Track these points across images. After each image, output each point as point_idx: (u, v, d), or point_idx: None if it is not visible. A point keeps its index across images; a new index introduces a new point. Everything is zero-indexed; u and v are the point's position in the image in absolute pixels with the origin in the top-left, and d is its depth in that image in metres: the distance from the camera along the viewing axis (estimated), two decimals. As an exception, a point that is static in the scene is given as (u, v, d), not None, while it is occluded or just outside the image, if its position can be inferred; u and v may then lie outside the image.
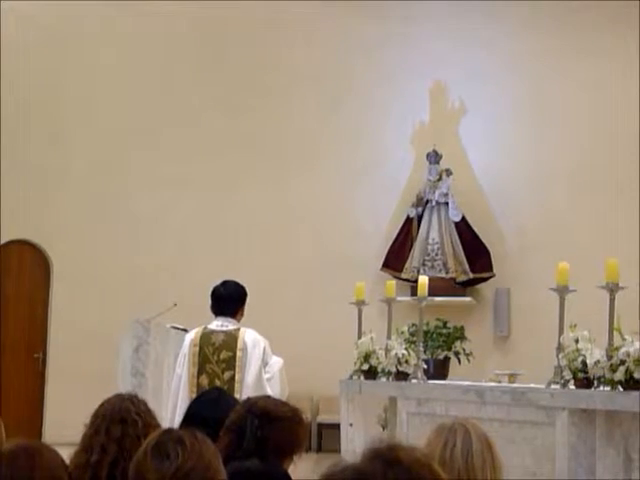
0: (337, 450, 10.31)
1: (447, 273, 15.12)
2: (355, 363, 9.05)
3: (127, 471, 4.05)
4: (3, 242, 14.98)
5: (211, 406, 4.95)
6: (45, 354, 15.07)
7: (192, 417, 4.83)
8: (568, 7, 14.96)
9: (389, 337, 8.98)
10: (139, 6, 15.15)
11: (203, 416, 4.74)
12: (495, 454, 3.90)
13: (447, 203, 15.33)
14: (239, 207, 15.43)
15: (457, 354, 11.19)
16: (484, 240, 15.23)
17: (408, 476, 2.32)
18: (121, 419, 4.26)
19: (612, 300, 7.06)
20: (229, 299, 8.01)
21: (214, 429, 4.13)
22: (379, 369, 8.89)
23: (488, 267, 15.18)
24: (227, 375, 7.83)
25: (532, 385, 7.71)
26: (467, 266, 15.14)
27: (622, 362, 6.65)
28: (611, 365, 6.71)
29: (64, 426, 13.51)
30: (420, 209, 15.42)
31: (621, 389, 6.66)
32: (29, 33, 15.08)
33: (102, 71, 15.30)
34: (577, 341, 7.04)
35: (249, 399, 4.62)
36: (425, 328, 10.41)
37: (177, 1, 15.19)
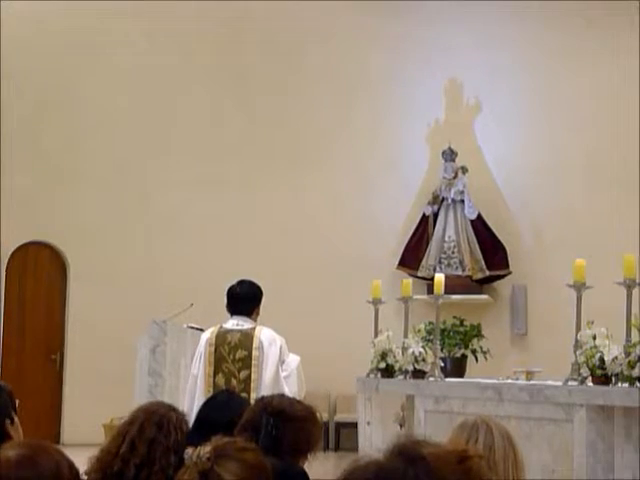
0: (355, 449, 10.30)
1: (463, 271, 15.08)
2: (372, 361, 9.05)
3: (151, 478, 4.02)
4: (20, 244, 15.01)
5: (221, 409, 4.91)
6: (62, 355, 15.09)
7: (202, 421, 4.79)
8: (584, 7, 14.91)
9: (406, 335, 8.97)
10: (156, 7, 15.15)
11: (214, 420, 4.69)
12: (517, 451, 3.90)
13: (463, 201, 15.29)
14: (255, 207, 15.43)
15: (474, 352, 11.17)
16: (500, 237, 15.19)
17: (430, 473, 2.28)
18: (158, 422, 4.18)
19: (629, 296, 7.03)
20: (245, 298, 8.00)
21: (225, 432, 4.09)
22: (396, 367, 8.88)
23: (505, 264, 15.14)
24: (243, 374, 7.82)
25: (550, 382, 7.68)
26: (483, 263, 15.09)
27: (640, 358, 6.63)
28: (629, 361, 6.68)
29: (81, 427, 13.62)
30: (436, 207, 15.39)
31: (639, 385, 6.63)
32: (45, 34, 15.10)
33: (119, 72, 15.31)
34: (594, 338, 7.02)
35: (264, 398, 4.60)
36: (442, 326, 10.40)
37: (194, 2, 15.19)
